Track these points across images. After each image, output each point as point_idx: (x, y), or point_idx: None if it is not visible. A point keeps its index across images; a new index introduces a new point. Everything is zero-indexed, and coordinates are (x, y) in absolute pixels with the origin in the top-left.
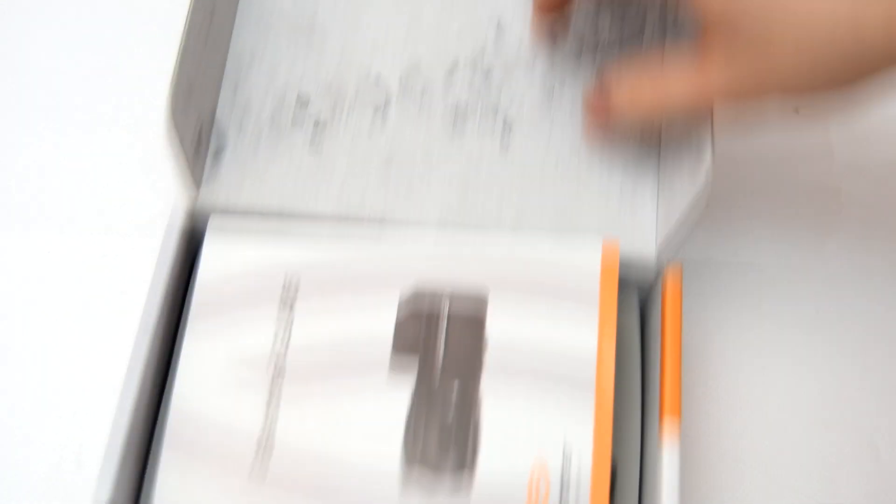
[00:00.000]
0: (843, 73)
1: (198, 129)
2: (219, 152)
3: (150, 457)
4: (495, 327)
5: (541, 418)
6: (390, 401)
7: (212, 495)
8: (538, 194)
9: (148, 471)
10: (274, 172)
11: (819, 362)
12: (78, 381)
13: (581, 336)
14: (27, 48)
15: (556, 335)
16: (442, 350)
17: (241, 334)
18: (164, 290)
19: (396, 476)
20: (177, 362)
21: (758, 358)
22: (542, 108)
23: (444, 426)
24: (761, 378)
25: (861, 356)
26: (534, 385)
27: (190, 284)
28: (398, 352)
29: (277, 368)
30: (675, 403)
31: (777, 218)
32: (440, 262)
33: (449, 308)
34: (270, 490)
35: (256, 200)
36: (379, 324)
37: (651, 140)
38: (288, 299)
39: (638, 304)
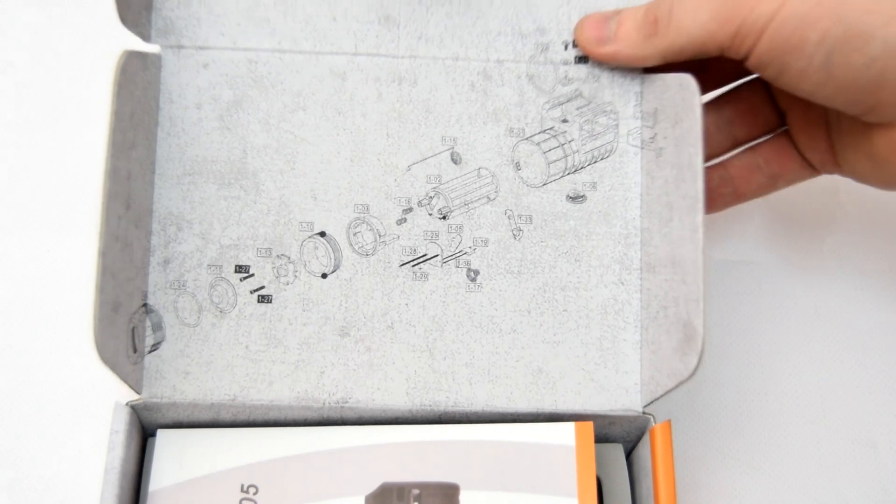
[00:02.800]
0: None
1: (130, 330)
2: (157, 330)
3: None
4: None
5: None
6: None
7: None
8: (511, 350)
9: None
10: (219, 359)
11: (819, 362)
12: (78, 381)
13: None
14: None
15: None
16: None
17: None
18: (118, 486)
19: None
20: None
21: (757, 357)
22: (510, 229)
23: None
24: (760, 377)
25: (861, 356)
26: None
27: (143, 468)
28: None
29: None
30: None
31: (776, 216)
32: (407, 454)
33: (419, 499)
34: None
35: (204, 394)
36: None
37: None
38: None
39: (624, 454)
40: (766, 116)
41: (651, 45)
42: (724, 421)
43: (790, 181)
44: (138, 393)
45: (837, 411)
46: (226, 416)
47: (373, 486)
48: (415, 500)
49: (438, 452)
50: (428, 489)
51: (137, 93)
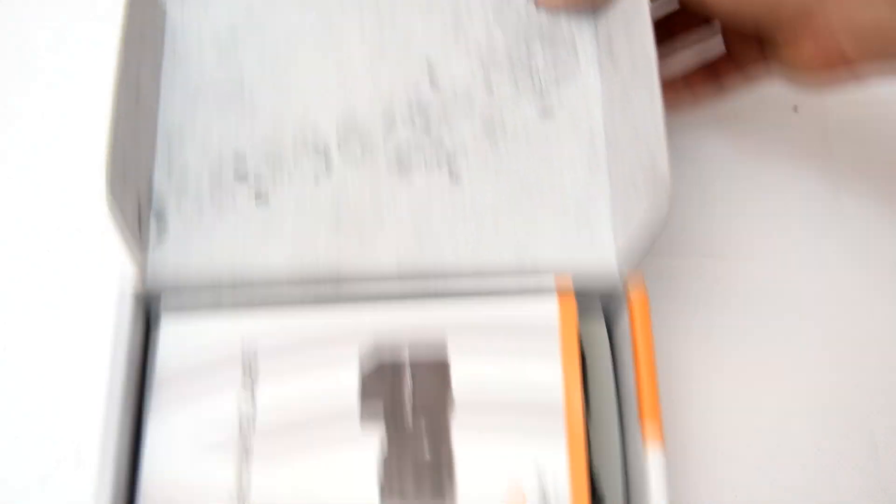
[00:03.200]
0: None
1: (136, 204)
2: (161, 222)
3: None
4: (458, 369)
5: (512, 445)
6: (363, 446)
7: None
8: (493, 226)
9: None
10: (220, 237)
11: (818, 362)
12: (77, 381)
13: (545, 366)
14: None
15: (519, 369)
16: (409, 395)
17: (205, 404)
18: (125, 369)
19: None
20: (144, 438)
21: (757, 357)
22: (487, 139)
23: (418, 463)
24: (760, 377)
25: (860, 355)
26: (502, 417)
27: (149, 354)
28: (366, 401)
29: (245, 431)
30: (655, 409)
31: (776, 215)
32: (397, 313)
33: (410, 356)
34: None
35: (206, 268)
36: (343, 379)
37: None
38: (249, 367)
39: (603, 315)
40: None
41: None
42: (720, 422)
43: (734, 86)
44: (143, 282)
45: (837, 411)
46: (226, 298)
47: (368, 357)
48: (409, 377)
49: (428, 326)
50: (420, 367)
51: (145, 23)
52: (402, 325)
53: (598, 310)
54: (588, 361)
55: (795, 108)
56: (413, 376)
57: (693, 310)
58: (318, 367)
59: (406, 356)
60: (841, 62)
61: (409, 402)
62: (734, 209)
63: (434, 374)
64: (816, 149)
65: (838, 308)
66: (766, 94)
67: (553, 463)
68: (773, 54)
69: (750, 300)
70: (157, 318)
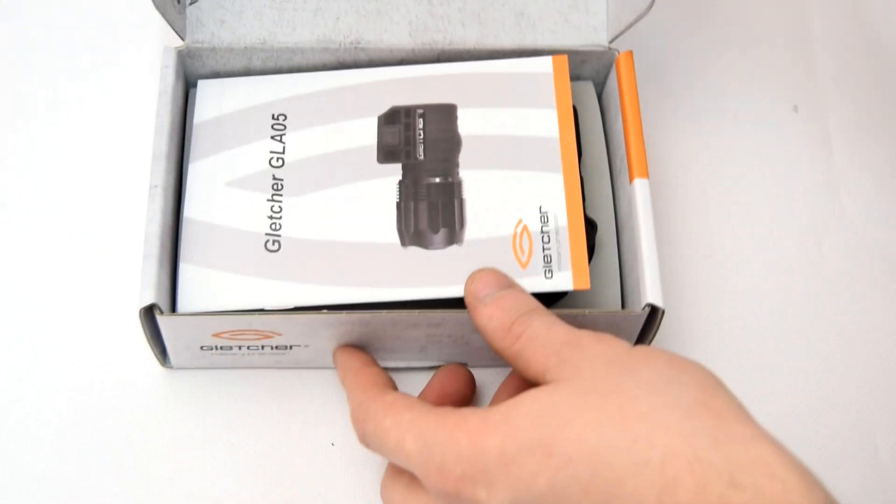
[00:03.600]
0: None
1: None
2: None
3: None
4: (466, 128)
5: (517, 192)
6: (381, 192)
7: (227, 293)
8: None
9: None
10: (250, 8)
11: (818, 361)
12: (78, 380)
13: (542, 112)
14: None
15: (521, 128)
16: (421, 150)
17: (240, 147)
18: (170, 121)
19: (397, 244)
20: (186, 178)
21: (756, 357)
22: None
23: (432, 207)
24: (760, 377)
25: (861, 355)
26: (507, 169)
27: (188, 110)
28: (383, 154)
29: (276, 180)
30: (642, 166)
31: (777, 215)
32: (412, 84)
33: (423, 116)
34: (282, 282)
35: (238, 38)
36: (363, 137)
37: None
38: (279, 116)
39: (597, 96)
40: None
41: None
42: None
43: None
44: (182, 39)
45: (837, 411)
46: (256, 62)
47: (384, 109)
48: (419, 117)
49: (437, 83)
50: (430, 108)
51: None
52: (415, 80)
53: (593, 94)
54: (579, 115)
55: (795, 108)
56: (425, 135)
57: (695, 311)
58: (341, 114)
59: (420, 116)
60: None
61: (422, 157)
62: (734, 209)
63: (443, 115)
64: (816, 149)
65: (838, 308)
66: (767, 94)
67: (551, 195)
68: None
69: (749, 300)
70: (195, 77)
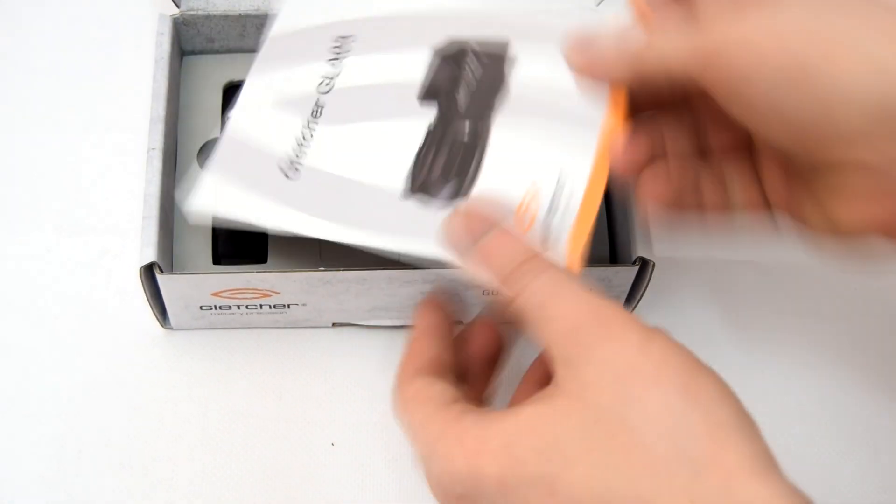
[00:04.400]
0: None
1: None
2: None
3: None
4: (518, 71)
5: (543, 151)
6: (408, 136)
7: (235, 207)
8: None
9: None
10: None
11: (819, 362)
12: (77, 380)
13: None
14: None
15: (569, 78)
16: (463, 92)
17: (292, 79)
18: (167, 86)
19: (397, 196)
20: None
21: (757, 359)
22: None
23: (451, 157)
24: (760, 378)
25: (861, 356)
26: (542, 121)
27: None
28: (424, 92)
29: (317, 107)
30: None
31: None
32: (468, 19)
33: (476, 55)
34: (286, 209)
35: (232, 5)
36: (412, 72)
37: None
38: (337, 50)
39: None
40: (738, 134)
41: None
42: None
43: (746, 209)
44: (177, 6)
45: (837, 411)
46: (251, 29)
47: (438, 48)
48: (473, 55)
49: (495, 27)
50: (483, 46)
51: None
52: (473, 22)
53: None
54: None
55: None
56: (477, 56)
57: (696, 311)
58: (405, 43)
59: (472, 51)
60: None
61: (462, 100)
62: None
63: (494, 54)
64: None
65: (839, 308)
66: None
67: (574, 175)
68: (804, 195)
69: (749, 301)
70: (189, 45)
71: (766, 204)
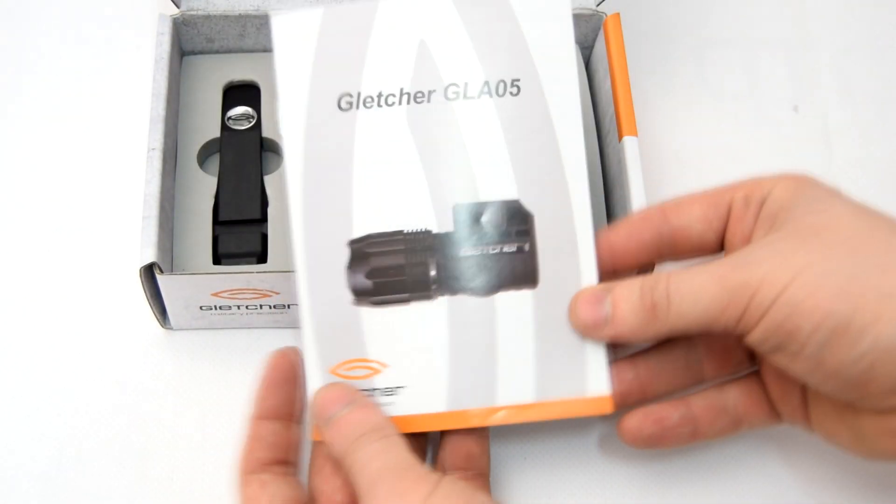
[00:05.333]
0: None
1: None
2: None
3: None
4: None
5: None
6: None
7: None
8: None
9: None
10: None
11: None
12: (77, 380)
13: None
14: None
15: None
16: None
17: None
18: (167, 86)
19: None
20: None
21: None
22: None
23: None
24: None
25: None
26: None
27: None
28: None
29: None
30: (631, 124)
31: None
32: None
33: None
34: None
35: (232, 5)
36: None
37: None
38: None
39: (584, 60)
40: (738, 358)
41: (652, 329)
42: None
43: (753, 426)
44: (177, 7)
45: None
46: (251, 29)
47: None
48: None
49: None
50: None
51: None
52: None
53: (578, 52)
54: None
55: (796, 108)
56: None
57: None
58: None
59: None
60: None
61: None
62: None
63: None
64: (816, 149)
65: None
66: (767, 94)
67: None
68: (833, 412)
69: None
70: (189, 45)
71: (776, 416)
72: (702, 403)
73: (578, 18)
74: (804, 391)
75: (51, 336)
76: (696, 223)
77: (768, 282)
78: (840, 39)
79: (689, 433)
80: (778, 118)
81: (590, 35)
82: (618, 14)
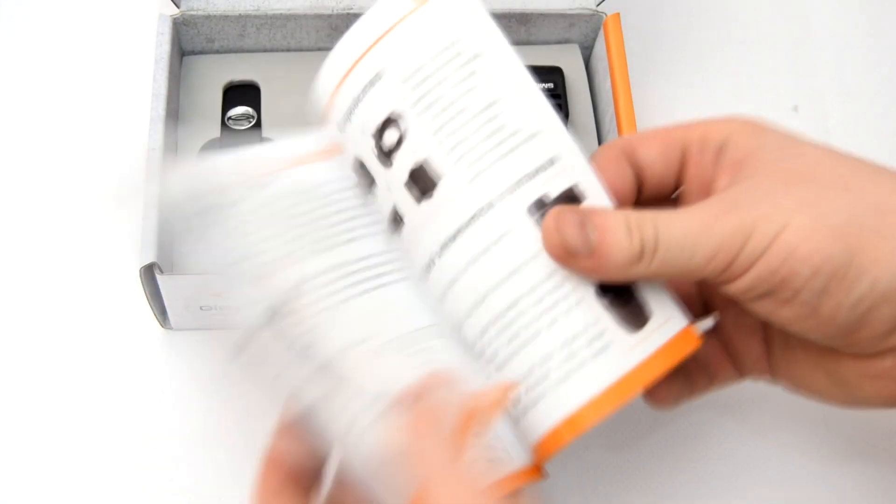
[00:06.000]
0: None
1: None
2: None
3: None
4: None
5: None
6: None
7: None
8: None
9: None
10: None
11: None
12: (78, 380)
13: None
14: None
15: None
16: None
17: None
18: (167, 86)
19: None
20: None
21: None
22: None
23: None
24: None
25: None
26: None
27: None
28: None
29: None
30: (631, 123)
31: None
32: None
33: None
34: None
35: (232, 5)
36: None
37: None
38: None
39: (584, 60)
40: (695, 312)
41: (632, 272)
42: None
43: (722, 384)
44: (177, 6)
45: (837, 411)
46: (251, 29)
47: None
48: None
49: None
50: None
51: None
52: None
53: (578, 52)
54: (566, 79)
55: (795, 108)
56: None
57: None
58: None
59: None
60: None
61: None
62: None
63: None
64: None
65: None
66: (766, 94)
67: None
68: (805, 358)
69: None
70: (189, 44)
71: (737, 371)
72: (713, 349)
73: (578, 18)
74: (766, 341)
75: (51, 336)
76: (657, 162)
77: (761, 227)
78: (840, 39)
79: (706, 383)
80: (778, 118)
81: (590, 35)
82: (618, 14)
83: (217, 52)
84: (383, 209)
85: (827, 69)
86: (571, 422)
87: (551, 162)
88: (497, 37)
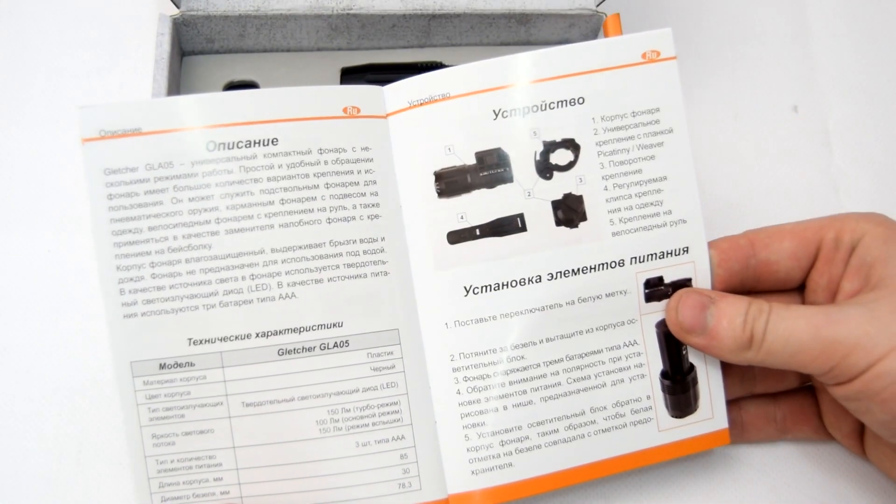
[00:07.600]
0: None
1: None
2: None
3: None
4: None
5: None
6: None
7: None
8: None
9: None
10: None
11: None
12: (77, 380)
13: None
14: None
15: None
16: None
17: None
18: (167, 86)
19: None
20: None
21: None
22: None
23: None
24: None
25: None
26: None
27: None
28: None
29: None
30: None
31: (776, 215)
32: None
33: None
34: None
35: (232, 5)
36: None
37: None
38: None
39: None
40: (791, 378)
41: (741, 357)
42: None
43: (798, 438)
44: (177, 7)
45: None
46: (251, 30)
47: None
48: None
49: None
50: None
51: None
52: None
53: None
54: None
55: (795, 109)
56: None
57: None
58: None
59: None
60: None
61: None
62: (731, 209)
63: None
64: (816, 149)
65: None
66: (767, 94)
67: None
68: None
69: None
70: (189, 45)
71: (824, 434)
72: (753, 410)
73: (578, 18)
74: (862, 424)
75: (51, 336)
76: (786, 259)
77: (863, 346)
78: (840, 39)
79: (737, 435)
80: (778, 118)
81: (590, 35)
82: (618, 14)
83: (217, 52)
84: (503, 205)
85: (827, 69)
86: (594, 467)
87: (685, 251)
88: (684, 119)
